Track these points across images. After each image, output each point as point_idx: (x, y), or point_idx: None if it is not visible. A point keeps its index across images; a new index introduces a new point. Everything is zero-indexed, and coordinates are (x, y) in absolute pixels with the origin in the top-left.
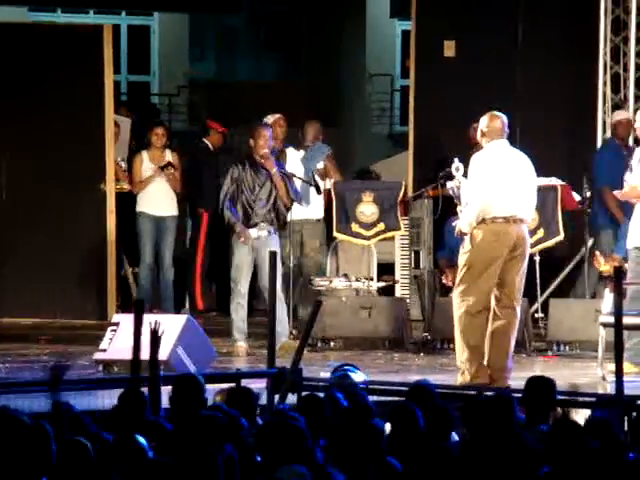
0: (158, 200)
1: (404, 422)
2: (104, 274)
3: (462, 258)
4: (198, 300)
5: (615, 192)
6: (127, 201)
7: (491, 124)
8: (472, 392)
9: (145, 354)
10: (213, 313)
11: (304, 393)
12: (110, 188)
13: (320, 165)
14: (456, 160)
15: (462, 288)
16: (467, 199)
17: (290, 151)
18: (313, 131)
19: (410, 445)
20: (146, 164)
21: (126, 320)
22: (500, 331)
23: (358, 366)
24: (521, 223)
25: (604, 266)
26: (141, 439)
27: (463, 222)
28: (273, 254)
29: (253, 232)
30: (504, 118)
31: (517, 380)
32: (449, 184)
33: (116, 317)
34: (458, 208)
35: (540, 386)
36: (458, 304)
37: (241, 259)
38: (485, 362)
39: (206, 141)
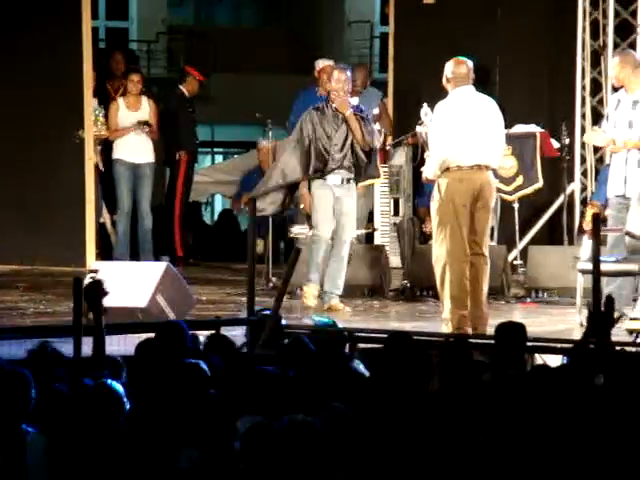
0: (134, 147)
1: (382, 368)
2: (83, 221)
3: (432, 209)
4: (177, 247)
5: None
6: (107, 148)
7: (456, 70)
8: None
9: (125, 302)
10: (192, 260)
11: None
12: (88, 135)
13: (376, 110)
14: (425, 105)
15: (438, 239)
16: (431, 146)
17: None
18: (362, 76)
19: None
20: (122, 111)
21: (105, 267)
22: (474, 278)
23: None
24: (486, 170)
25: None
26: (118, 386)
27: (428, 169)
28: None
29: (332, 178)
30: (469, 63)
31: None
32: (418, 129)
33: (95, 264)
34: (425, 154)
35: (510, 332)
36: (436, 255)
37: (320, 202)
38: (466, 310)
39: (182, 88)
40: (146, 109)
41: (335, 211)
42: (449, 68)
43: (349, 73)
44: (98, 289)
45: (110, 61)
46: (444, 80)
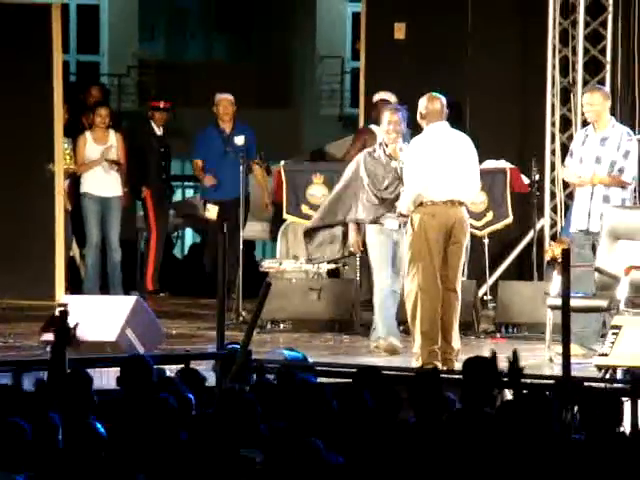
0: (102, 181)
1: (351, 402)
2: (52, 255)
3: (405, 244)
4: (148, 281)
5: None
6: (76, 182)
7: (429, 105)
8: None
9: (94, 336)
10: (162, 294)
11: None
12: (59, 169)
13: None
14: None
15: (410, 273)
16: (405, 181)
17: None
18: None
19: (358, 424)
20: (90, 145)
21: (75, 301)
22: (445, 314)
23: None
24: (460, 206)
25: (557, 248)
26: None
27: (401, 204)
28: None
29: (390, 223)
30: (443, 99)
31: None
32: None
33: (64, 298)
34: (400, 189)
35: (478, 367)
36: (408, 290)
37: (381, 249)
38: (437, 347)
39: (152, 123)
40: (113, 143)
41: (394, 256)
42: (423, 104)
43: (401, 114)
44: (65, 320)
45: (86, 95)
46: (418, 116)
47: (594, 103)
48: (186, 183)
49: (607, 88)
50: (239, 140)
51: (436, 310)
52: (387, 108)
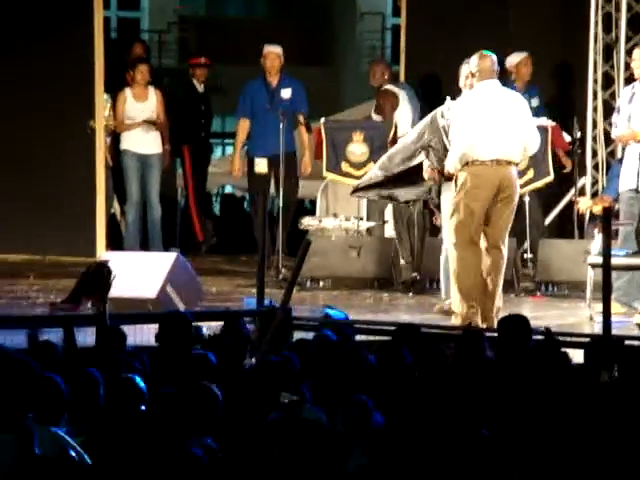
0: (142, 138)
1: (391, 359)
2: (93, 211)
3: (447, 202)
4: (197, 232)
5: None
6: (117, 138)
7: (481, 64)
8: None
9: (134, 293)
10: (214, 240)
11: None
12: (99, 125)
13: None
14: (448, 99)
15: (451, 231)
16: (453, 139)
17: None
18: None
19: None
20: (130, 102)
21: (115, 258)
22: (488, 271)
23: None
24: (508, 165)
25: (595, 206)
26: (140, 381)
27: (449, 163)
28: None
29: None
30: (494, 57)
31: None
32: (440, 122)
33: (105, 254)
34: (447, 147)
35: (514, 325)
36: (449, 249)
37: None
38: (477, 304)
39: (193, 81)
40: (153, 100)
41: None
42: (474, 62)
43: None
44: (104, 273)
45: (129, 51)
46: (468, 75)
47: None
48: (226, 140)
49: None
50: (285, 93)
51: (475, 267)
52: (467, 62)
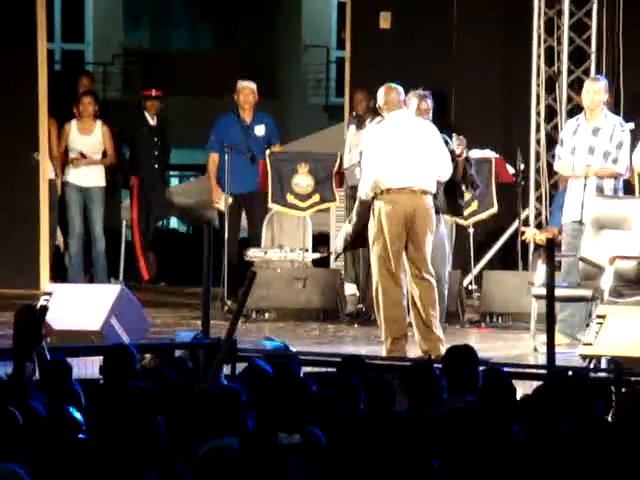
0: (84, 171)
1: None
2: (37, 243)
3: (370, 232)
4: (143, 271)
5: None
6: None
7: (387, 97)
8: (406, 363)
9: (78, 325)
10: (162, 283)
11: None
12: (43, 157)
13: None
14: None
15: (374, 262)
16: (364, 167)
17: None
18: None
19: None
20: (74, 134)
21: (60, 290)
22: (418, 302)
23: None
24: (423, 195)
25: (539, 236)
26: (75, 412)
27: (361, 190)
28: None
29: None
30: (400, 89)
31: None
32: (359, 147)
33: (49, 287)
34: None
35: (460, 355)
36: (373, 279)
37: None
38: (405, 334)
39: (145, 113)
40: (98, 134)
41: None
42: (381, 96)
43: (430, 101)
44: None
45: (77, 84)
46: (379, 109)
47: (597, 91)
48: (171, 172)
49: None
50: (259, 131)
51: (396, 297)
52: (415, 94)
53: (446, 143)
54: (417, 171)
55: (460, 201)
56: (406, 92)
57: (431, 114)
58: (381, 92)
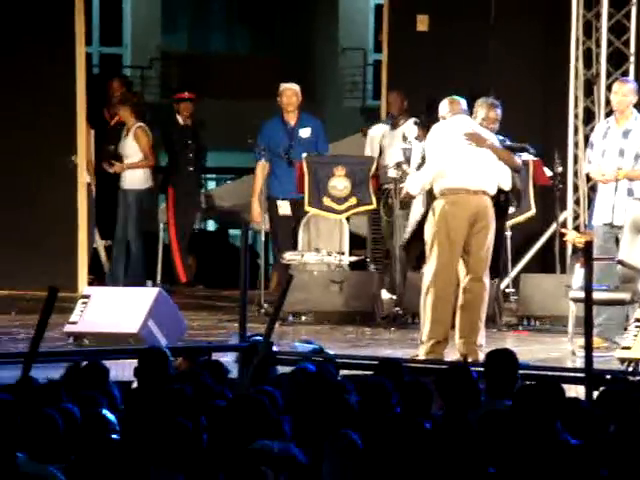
0: (121, 174)
1: (375, 396)
2: (75, 246)
3: (426, 232)
4: (180, 274)
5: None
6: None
7: (451, 106)
8: (444, 366)
9: (116, 328)
10: (199, 286)
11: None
12: (81, 160)
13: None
14: (410, 122)
15: (429, 262)
16: (417, 163)
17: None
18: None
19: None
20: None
21: (97, 293)
22: (470, 304)
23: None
24: (483, 195)
25: (579, 238)
26: (109, 415)
27: (413, 183)
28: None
29: None
30: (463, 101)
31: None
32: (402, 145)
33: (87, 289)
34: (407, 169)
35: (501, 359)
36: (426, 278)
37: None
38: (447, 338)
39: (177, 117)
40: (133, 137)
41: None
42: (443, 105)
43: (499, 110)
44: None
45: (108, 88)
46: (440, 119)
47: (626, 93)
48: (207, 175)
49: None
50: (305, 133)
51: (449, 300)
52: (484, 103)
53: (502, 141)
54: (480, 172)
55: (511, 204)
56: (446, 95)
57: (498, 124)
58: (444, 103)
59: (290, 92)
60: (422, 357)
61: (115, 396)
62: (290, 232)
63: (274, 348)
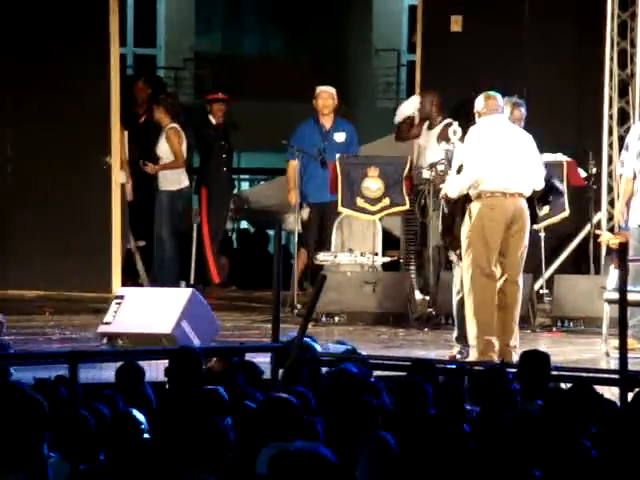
0: (157, 174)
1: (411, 397)
2: (109, 247)
3: (463, 234)
4: (213, 274)
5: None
6: (137, 176)
7: (487, 102)
8: (480, 367)
9: (150, 328)
10: (233, 287)
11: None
12: (115, 161)
13: None
14: (455, 124)
15: (466, 264)
16: (458, 165)
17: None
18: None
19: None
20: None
21: (131, 293)
22: (505, 306)
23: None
24: (519, 197)
25: (613, 239)
26: (139, 415)
27: (452, 187)
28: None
29: None
30: (499, 96)
31: None
32: (443, 146)
33: (121, 290)
34: (448, 171)
35: (534, 360)
36: (464, 280)
37: None
38: (496, 335)
39: (210, 117)
40: (162, 139)
41: None
42: (480, 102)
43: (523, 109)
44: None
45: (133, 88)
46: (476, 116)
47: None
48: (241, 176)
49: None
50: (339, 137)
51: (492, 300)
52: (509, 101)
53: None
54: (517, 175)
55: (537, 210)
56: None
57: (523, 122)
58: (480, 98)
59: (326, 95)
60: (475, 359)
61: (149, 396)
62: (315, 234)
63: (317, 347)
